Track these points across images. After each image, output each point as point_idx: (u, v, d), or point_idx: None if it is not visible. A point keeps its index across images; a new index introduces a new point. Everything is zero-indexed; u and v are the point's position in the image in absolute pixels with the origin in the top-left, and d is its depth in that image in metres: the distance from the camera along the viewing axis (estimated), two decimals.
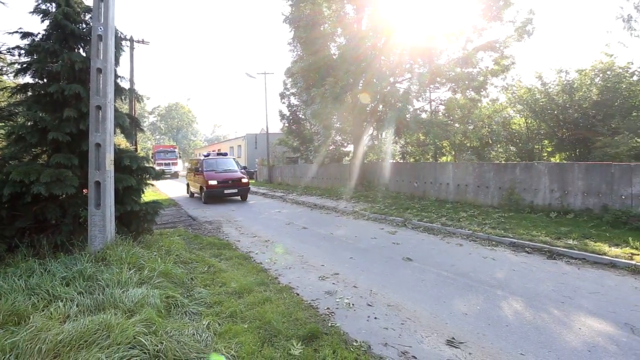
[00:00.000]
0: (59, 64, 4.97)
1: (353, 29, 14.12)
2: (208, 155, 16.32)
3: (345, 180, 16.48)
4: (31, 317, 3.08)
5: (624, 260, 5.22)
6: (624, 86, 11.95)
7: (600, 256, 5.46)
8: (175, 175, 38.85)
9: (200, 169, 15.00)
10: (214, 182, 14.25)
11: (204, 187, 14.30)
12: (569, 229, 6.98)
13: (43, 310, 3.26)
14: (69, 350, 2.66)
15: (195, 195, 16.72)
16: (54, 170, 4.60)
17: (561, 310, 3.84)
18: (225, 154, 17.35)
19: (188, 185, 17.82)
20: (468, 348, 3.14)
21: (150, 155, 41.52)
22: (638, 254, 5.40)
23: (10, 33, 5.15)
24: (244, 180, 15.11)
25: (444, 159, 17.93)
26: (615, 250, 5.63)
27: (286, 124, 23.20)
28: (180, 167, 50.66)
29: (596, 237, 6.41)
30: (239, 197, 15.75)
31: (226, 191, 14.61)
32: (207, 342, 3.09)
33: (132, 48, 18.20)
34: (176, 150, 42.68)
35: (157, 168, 30.71)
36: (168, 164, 38.88)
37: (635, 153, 9.81)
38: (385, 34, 13.00)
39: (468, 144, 15.87)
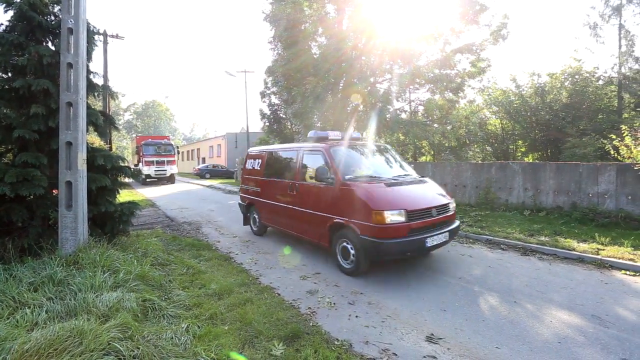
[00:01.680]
0: (25, 58, 4.69)
1: (334, 29, 14.16)
2: (339, 139, 6.62)
3: None
4: None
5: (590, 255, 5.50)
6: (591, 90, 12.58)
7: (569, 252, 5.72)
8: (170, 179, 26.11)
9: (323, 174, 5.38)
10: (399, 218, 4.68)
11: (364, 229, 4.75)
12: (541, 226, 7.28)
13: (8, 318, 3.10)
14: None
15: (271, 228, 7.81)
16: (21, 170, 4.35)
17: (534, 304, 4.00)
18: (358, 136, 7.26)
19: (250, 207, 7.98)
20: (446, 343, 3.21)
21: (134, 151, 30.17)
22: (604, 249, 5.70)
23: None
24: (452, 206, 5.58)
25: (423, 158, 18.33)
26: (583, 246, 5.92)
27: (267, 123, 23.01)
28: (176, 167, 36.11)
29: (566, 234, 6.72)
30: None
31: (430, 240, 4.82)
32: (186, 345, 3.03)
33: (105, 43, 17.55)
34: (173, 143, 27.74)
35: (145, 169, 24.00)
36: (162, 163, 25.24)
37: (601, 153, 10.36)
38: (366, 34, 13.12)
39: (446, 144, 16.30)
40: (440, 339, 3.30)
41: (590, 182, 7.85)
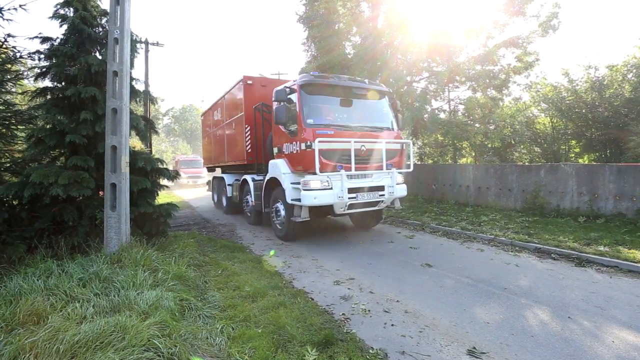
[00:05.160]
0: (76, 68, 5.08)
1: (368, 27, 13.96)
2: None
3: None
4: (50, 317, 3.11)
5: None
6: None
7: (634, 264, 5.11)
8: (378, 218, 8.22)
9: None
10: None
11: None
12: (599, 235, 6.61)
13: (61, 311, 3.30)
14: (86, 351, 2.66)
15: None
16: (72, 173, 4.69)
17: (591, 321, 3.60)
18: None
19: None
20: (490, 359, 2.97)
21: (216, 120, 11.90)
22: None
23: (30, 38, 5.33)
24: None
25: (463, 160, 17.48)
26: None
27: None
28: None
29: (630, 244, 6.03)
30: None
31: None
32: (220, 346, 3.07)
33: (147, 50, 18.47)
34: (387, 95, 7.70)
35: (315, 188, 5.45)
36: (371, 163, 6.59)
37: None
38: (402, 31, 12.78)
39: (489, 145, 15.39)
40: (484, 353, 3.05)
41: None
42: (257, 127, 8.40)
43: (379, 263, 5.81)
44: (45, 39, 5.39)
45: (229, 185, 10.92)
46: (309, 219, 6.40)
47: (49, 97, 5.49)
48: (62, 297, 3.56)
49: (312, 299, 4.23)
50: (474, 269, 5.35)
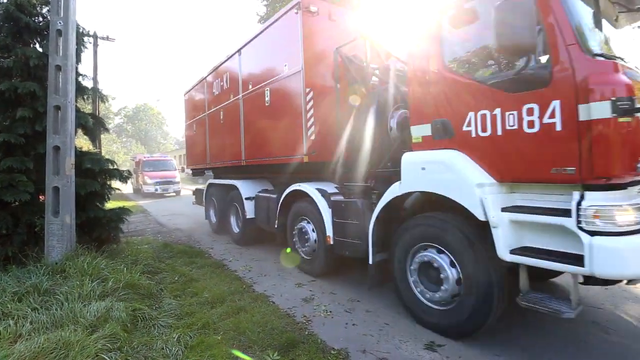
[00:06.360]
0: (12, 60, 4.61)
1: None
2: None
3: None
4: None
5: None
6: None
7: None
8: None
9: None
10: None
11: None
12: None
13: None
14: None
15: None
16: (6, 175, 4.24)
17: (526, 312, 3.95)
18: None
19: None
20: (445, 352, 3.15)
21: None
22: None
23: None
24: None
25: None
26: None
27: None
28: None
29: None
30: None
31: None
32: (177, 356, 2.96)
33: (95, 45, 17.40)
34: None
35: None
36: None
37: None
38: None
39: None
40: (439, 346, 3.23)
41: None
42: (343, 91, 4.72)
43: (340, 264, 5.88)
44: None
45: (247, 199, 6.65)
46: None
47: None
48: None
49: (274, 303, 4.20)
50: None
